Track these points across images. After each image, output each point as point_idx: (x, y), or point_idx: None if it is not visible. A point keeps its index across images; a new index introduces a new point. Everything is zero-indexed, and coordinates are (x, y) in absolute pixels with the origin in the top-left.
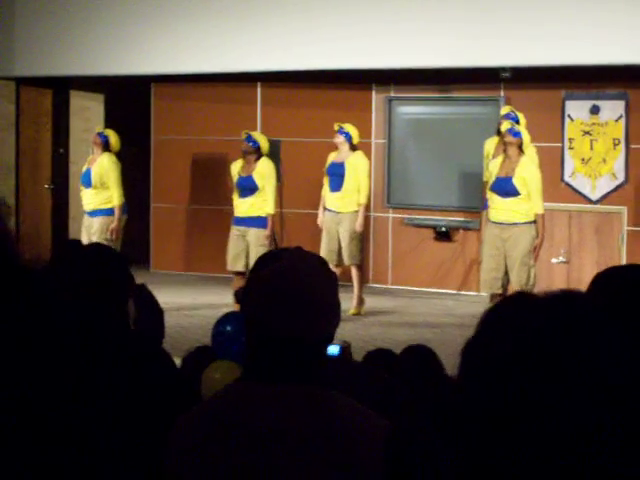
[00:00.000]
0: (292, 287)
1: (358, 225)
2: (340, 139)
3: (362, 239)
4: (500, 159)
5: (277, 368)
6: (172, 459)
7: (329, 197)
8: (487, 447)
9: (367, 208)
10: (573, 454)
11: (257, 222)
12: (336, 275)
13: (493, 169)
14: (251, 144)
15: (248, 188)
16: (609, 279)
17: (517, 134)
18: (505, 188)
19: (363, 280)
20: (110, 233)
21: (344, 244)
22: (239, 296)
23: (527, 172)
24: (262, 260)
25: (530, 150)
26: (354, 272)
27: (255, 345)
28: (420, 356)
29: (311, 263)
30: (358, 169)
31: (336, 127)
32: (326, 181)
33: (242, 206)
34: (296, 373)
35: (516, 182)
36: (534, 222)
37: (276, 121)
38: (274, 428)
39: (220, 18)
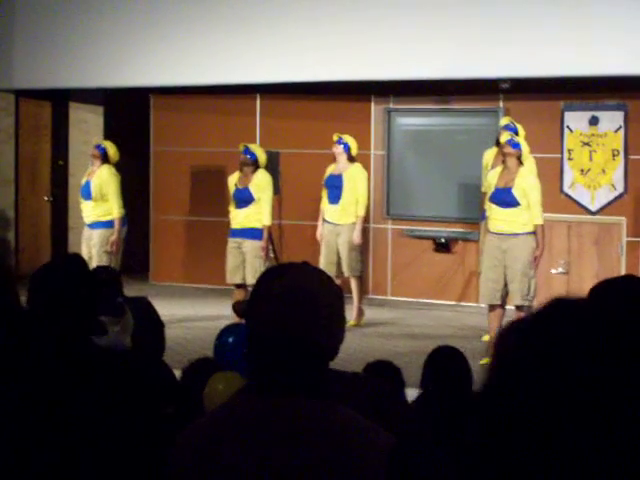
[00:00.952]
0: (300, 303)
1: (356, 237)
2: (339, 149)
3: (361, 251)
4: (499, 170)
5: (282, 382)
6: (175, 472)
7: (328, 209)
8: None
9: (365, 220)
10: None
11: (253, 234)
12: (341, 290)
13: (492, 180)
14: (249, 156)
15: (244, 200)
16: (606, 291)
17: (516, 145)
18: (505, 199)
19: (363, 291)
20: (110, 245)
21: (343, 256)
22: (239, 309)
23: (527, 183)
24: (268, 274)
25: (529, 161)
26: (354, 283)
27: (260, 358)
28: (447, 358)
29: (318, 279)
30: (356, 181)
31: (335, 137)
32: (324, 194)
33: (238, 217)
34: (301, 387)
35: (516, 192)
36: (534, 233)
37: (275, 132)
38: (278, 441)
39: (219, 30)
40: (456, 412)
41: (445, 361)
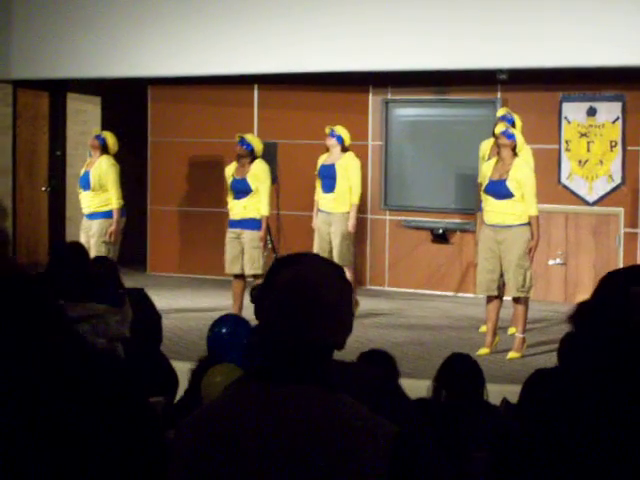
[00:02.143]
0: (308, 293)
1: (350, 225)
2: (331, 141)
3: (354, 240)
4: (493, 161)
5: (287, 370)
6: (177, 461)
7: (322, 198)
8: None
9: (362, 210)
10: None
11: (251, 224)
12: (350, 283)
13: (486, 171)
14: (245, 147)
15: (242, 190)
16: (615, 281)
17: (511, 136)
18: (499, 190)
19: (359, 282)
20: (109, 236)
21: (334, 244)
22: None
23: (521, 174)
24: (279, 263)
25: (526, 152)
26: (347, 274)
27: (266, 346)
28: (464, 366)
29: (327, 270)
30: (349, 170)
31: (327, 130)
32: (318, 184)
33: (236, 208)
34: (305, 375)
35: (510, 184)
36: (528, 224)
37: (273, 123)
38: (280, 429)
39: (216, 20)
40: (466, 418)
41: (459, 370)
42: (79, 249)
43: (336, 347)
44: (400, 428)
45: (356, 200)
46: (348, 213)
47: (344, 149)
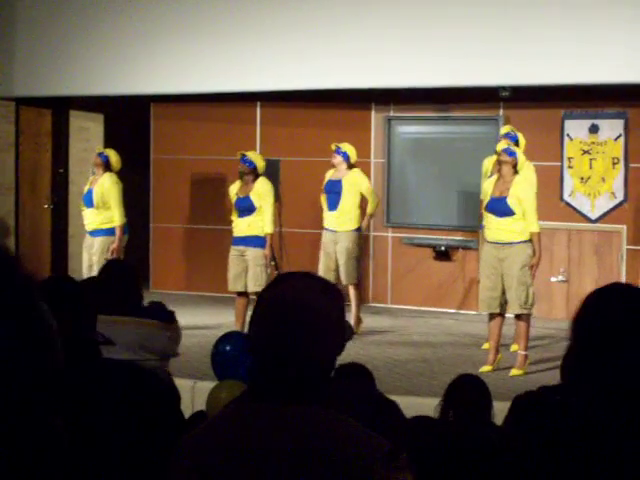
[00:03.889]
0: (289, 312)
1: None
2: (338, 159)
3: (359, 258)
4: (494, 178)
5: (279, 389)
6: (176, 477)
7: (327, 216)
8: None
9: (366, 228)
10: None
11: (256, 242)
12: (342, 302)
13: (487, 189)
14: (247, 165)
15: (246, 208)
16: (599, 299)
17: (512, 154)
18: (500, 208)
19: (362, 299)
20: (111, 253)
21: (340, 263)
22: None
23: (521, 191)
24: (272, 281)
25: (528, 169)
26: (352, 291)
27: (258, 364)
28: (472, 387)
29: (318, 288)
30: (359, 186)
31: (333, 147)
32: (324, 199)
33: (241, 226)
34: (297, 394)
35: (510, 202)
36: (530, 241)
37: (275, 141)
38: (276, 448)
39: (219, 38)
40: (472, 440)
41: (467, 390)
42: (126, 265)
43: (324, 365)
44: (393, 444)
45: (371, 210)
46: (353, 231)
47: (350, 166)
